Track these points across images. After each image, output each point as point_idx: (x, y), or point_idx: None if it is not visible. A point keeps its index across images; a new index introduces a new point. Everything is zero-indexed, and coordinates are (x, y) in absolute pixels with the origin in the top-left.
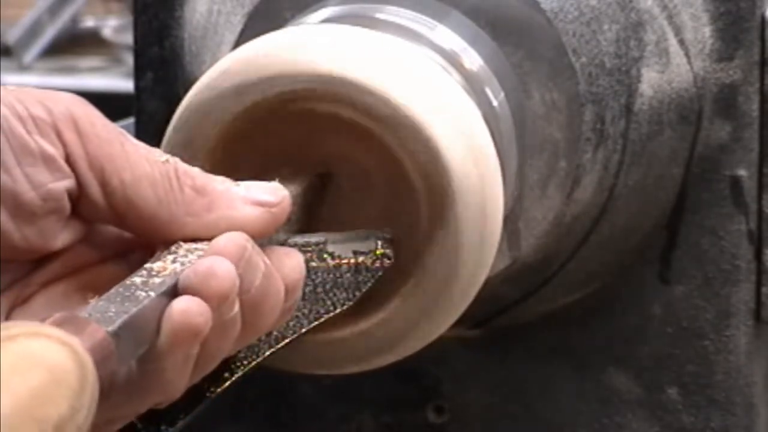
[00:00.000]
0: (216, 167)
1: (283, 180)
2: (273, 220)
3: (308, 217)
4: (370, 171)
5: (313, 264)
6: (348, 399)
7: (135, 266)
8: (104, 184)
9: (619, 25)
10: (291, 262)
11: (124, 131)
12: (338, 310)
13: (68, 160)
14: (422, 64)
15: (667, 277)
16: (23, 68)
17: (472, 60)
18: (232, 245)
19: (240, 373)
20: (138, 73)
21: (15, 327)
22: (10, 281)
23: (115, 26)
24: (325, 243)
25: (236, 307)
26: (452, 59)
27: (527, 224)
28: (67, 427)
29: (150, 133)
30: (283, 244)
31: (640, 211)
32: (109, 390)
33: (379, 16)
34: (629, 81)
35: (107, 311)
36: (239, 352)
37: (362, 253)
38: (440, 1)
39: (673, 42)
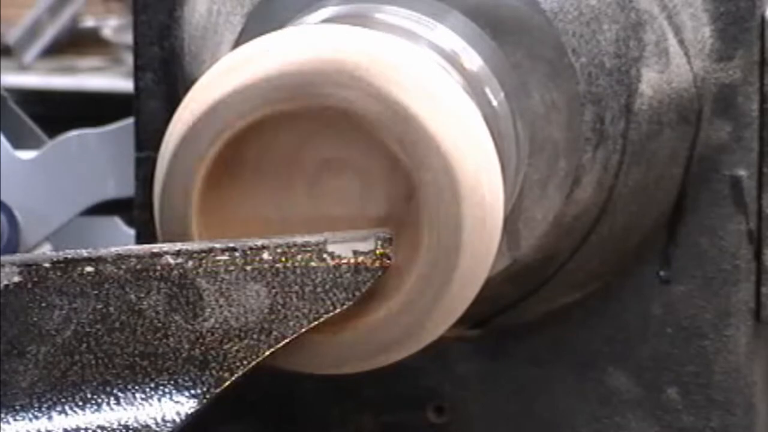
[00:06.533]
0: (215, 168)
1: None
2: None
3: None
4: (370, 171)
5: (313, 264)
6: (348, 399)
7: None
8: None
9: (618, 25)
10: None
11: None
12: (338, 310)
13: None
14: (422, 64)
15: (667, 277)
16: (23, 68)
17: (472, 60)
18: None
19: (240, 373)
20: (138, 73)
21: None
22: None
23: (115, 26)
24: (325, 243)
25: None
26: (452, 59)
27: (527, 224)
28: None
29: (150, 133)
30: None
31: (640, 210)
32: None
33: (379, 16)
34: (629, 81)
35: None
36: (239, 351)
37: (362, 253)
38: (440, 1)
39: (672, 42)
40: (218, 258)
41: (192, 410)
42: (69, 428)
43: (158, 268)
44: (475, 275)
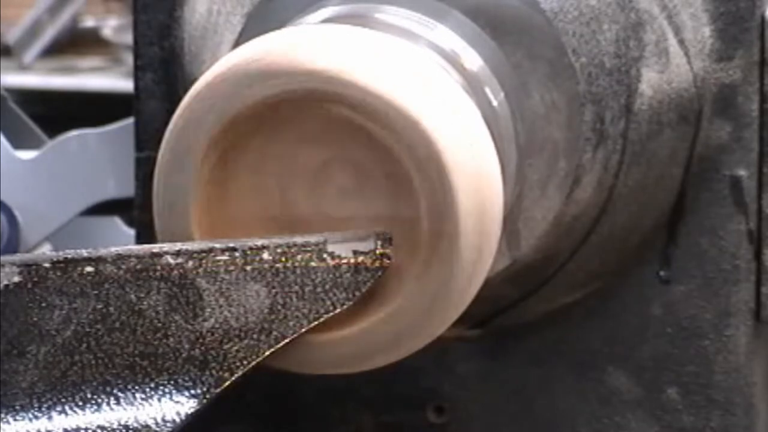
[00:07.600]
0: (214, 168)
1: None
2: None
3: None
4: (370, 171)
5: (313, 264)
6: (348, 399)
7: None
8: None
9: (618, 25)
10: None
11: None
12: (338, 310)
13: None
14: (422, 64)
15: (667, 277)
16: (23, 68)
17: (472, 60)
18: None
19: (240, 373)
20: (138, 73)
21: None
22: None
23: (115, 26)
24: (325, 243)
25: None
26: (452, 59)
27: (527, 224)
28: None
29: (150, 133)
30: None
31: (640, 211)
32: None
33: (379, 16)
34: (629, 81)
35: None
36: (239, 351)
37: (362, 253)
38: (440, 1)
39: (672, 42)
40: (218, 258)
41: (192, 410)
42: (69, 428)
43: (158, 268)
44: (475, 275)
